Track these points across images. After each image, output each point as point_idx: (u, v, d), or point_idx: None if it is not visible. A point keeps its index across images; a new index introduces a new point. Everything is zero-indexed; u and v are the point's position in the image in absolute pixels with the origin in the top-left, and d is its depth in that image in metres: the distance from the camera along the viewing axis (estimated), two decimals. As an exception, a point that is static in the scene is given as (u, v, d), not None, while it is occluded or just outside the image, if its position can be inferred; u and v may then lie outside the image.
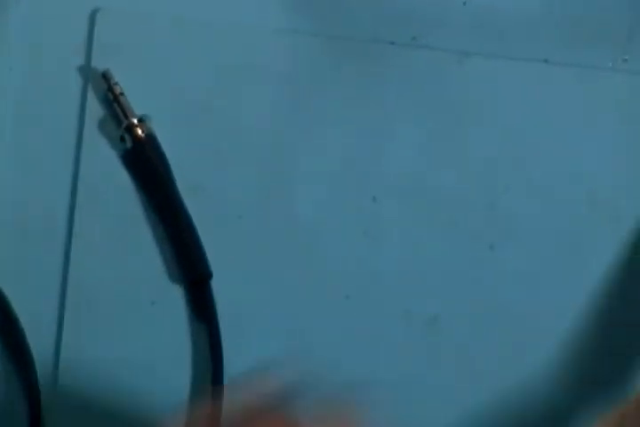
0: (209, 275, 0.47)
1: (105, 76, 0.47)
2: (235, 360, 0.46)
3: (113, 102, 0.48)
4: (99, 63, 0.48)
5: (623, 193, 0.50)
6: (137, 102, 0.48)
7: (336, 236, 0.49)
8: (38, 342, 0.47)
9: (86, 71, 0.49)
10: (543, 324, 0.49)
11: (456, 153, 0.49)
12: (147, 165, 0.47)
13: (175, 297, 0.47)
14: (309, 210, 0.48)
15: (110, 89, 0.47)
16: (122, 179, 0.48)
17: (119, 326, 0.47)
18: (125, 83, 0.48)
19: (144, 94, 0.48)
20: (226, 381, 0.46)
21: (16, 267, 0.47)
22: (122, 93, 0.47)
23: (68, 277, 0.47)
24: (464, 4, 0.51)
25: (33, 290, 0.47)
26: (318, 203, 0.48)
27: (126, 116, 0.47)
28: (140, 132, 0.47)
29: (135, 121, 0.47)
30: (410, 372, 0.48)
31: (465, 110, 0.50)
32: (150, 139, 0.47)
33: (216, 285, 0.47)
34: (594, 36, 0.52)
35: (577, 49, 0.51)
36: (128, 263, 0.47)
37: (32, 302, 0.47)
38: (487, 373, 0.48)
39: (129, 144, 0.47)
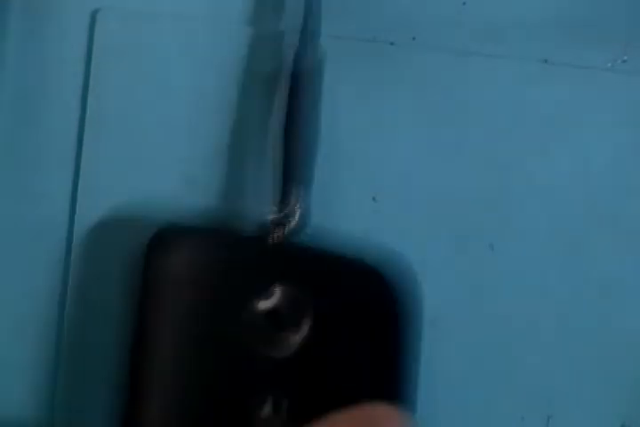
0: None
1: None
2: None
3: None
4: (99, 63, 0.48)
5: (623, 193, 0.50)
6: (137, 103, 0.48)
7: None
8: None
9: (86, 71, 0.48)
10: (543, 324, 0.49)
11: (456, 153, 0.50)
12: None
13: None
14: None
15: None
16: (123, 179, 0.48)
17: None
18: (125, 83, 0.48)
19: (144, 94, 0.48)
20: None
21: (16, 267, 0.47)
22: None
23: (68, 277, 0.47)
24: (464, 4, 0.51)
25: (33, 290, 0.47)
26: (317, 203, 0.48)
27: None
28: None
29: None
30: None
31: (465, 110, 0.50)
32: None
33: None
34: (593, 37, 0.52)
35: (577, 49, 0.51)
36: (130, 262, 0.47)
37: (32, 301, 0.47)
38: (486, 373, 0.48)
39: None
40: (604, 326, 0.49)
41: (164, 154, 0.48)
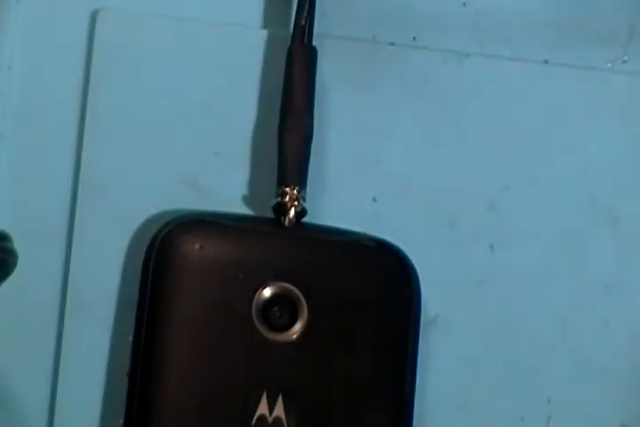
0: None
1: None
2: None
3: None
4: (99, 63, 0.48)
5: (623, 193, 0.50)
6: (137, 103, 0.48)
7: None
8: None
9: (86, 71, 0.49)
10: (543, 324, 0.49)
11: (456, 153, 0.50)
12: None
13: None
14: (308, 210, 0.47)
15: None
16: (123, 179, 0.48)
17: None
18: (125, 83, 0.48)
19: (144, 94, 0.48)
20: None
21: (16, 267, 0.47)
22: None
23: (68, 278, 0.47)
24: (464, 4, 0.51)
25: (33, 290, 0.47)
26: (317, 203, 0.48)
27: None
28: None
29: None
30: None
31: (465, 110, 0.50)
32: None
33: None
34: (594, 37, 0.52)
35: (577, 49, 0.51)
36: (130, 262, 0.47)
37: (32, 301, 0.47)
38: (487, 372, 0.48)
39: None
40: (604, 326, 0.49)
41: (164, 154, 0.48)
